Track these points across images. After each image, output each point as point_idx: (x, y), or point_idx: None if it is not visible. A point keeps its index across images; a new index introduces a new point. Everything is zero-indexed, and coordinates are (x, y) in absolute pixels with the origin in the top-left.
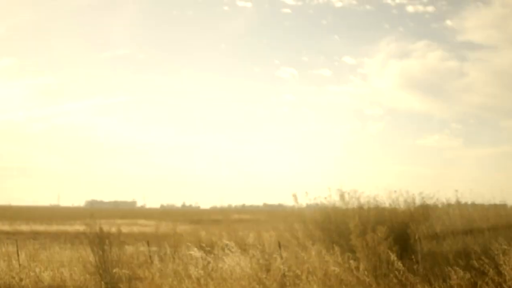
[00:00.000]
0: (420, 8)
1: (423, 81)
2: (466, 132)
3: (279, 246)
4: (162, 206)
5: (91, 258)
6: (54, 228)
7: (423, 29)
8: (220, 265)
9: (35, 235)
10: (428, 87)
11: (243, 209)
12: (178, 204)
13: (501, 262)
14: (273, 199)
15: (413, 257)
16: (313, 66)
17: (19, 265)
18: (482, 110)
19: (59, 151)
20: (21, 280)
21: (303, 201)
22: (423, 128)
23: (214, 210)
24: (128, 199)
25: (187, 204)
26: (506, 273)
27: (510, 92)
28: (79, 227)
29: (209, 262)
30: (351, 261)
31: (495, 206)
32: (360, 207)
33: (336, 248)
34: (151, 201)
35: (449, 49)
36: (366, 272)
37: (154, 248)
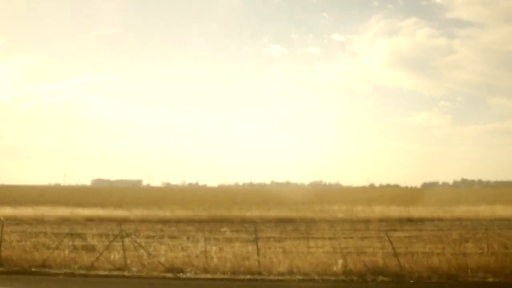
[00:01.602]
0: None
1: (412, 59)
2: (454, 109)
3: None
4: (167, 184)
5: None
6: None
7: (412, 6)
8: None
9: None
10: (416, 65)
11: (263, 187)
12: (178, 182)
13: None
14: (278, 177)
15: None
16: (302, 43)
17: None
18: (470, 87)
19: (50, 130)
20: None
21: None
22: (411, 106)
23: (222, 188)
24: (133, 177)
25: (189, 182)
26: None
27: (498, 69)
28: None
29: None
30: None
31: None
32: None
33: None
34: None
35: (437, 27)
36: None
37: None
